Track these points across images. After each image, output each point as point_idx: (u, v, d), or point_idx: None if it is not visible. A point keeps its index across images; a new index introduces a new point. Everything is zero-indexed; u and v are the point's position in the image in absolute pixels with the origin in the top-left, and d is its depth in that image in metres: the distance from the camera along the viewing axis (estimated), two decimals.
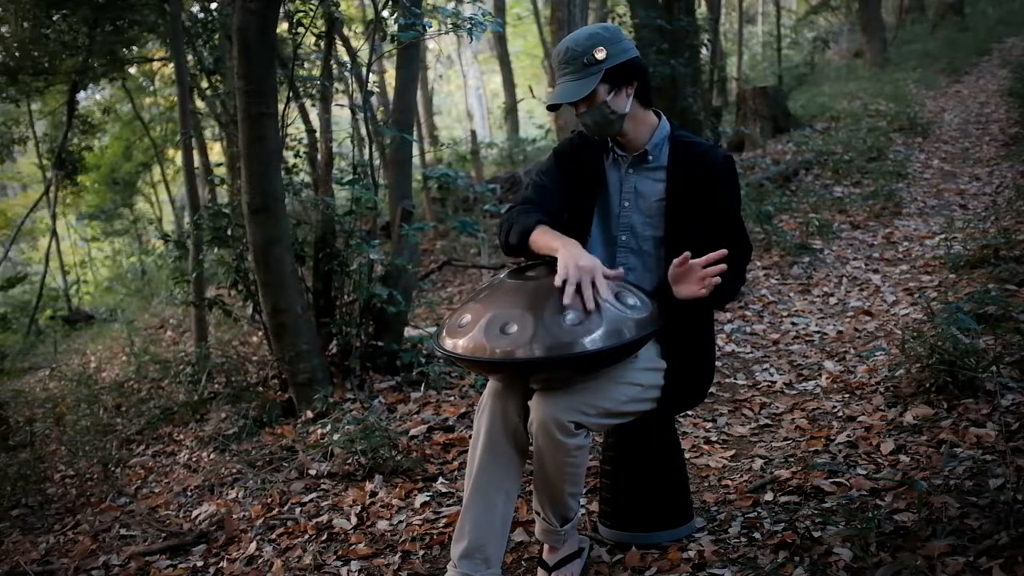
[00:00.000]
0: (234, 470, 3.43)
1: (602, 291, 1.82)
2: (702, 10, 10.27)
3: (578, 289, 1.80)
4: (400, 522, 2.64)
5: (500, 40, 14.75)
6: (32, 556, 3.00)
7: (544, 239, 1.96)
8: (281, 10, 4.15)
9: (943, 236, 5.19)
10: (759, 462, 2.71)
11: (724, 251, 1.86)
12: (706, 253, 1.88)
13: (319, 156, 6.40)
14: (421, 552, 2.42)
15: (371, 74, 5.24)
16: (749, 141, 9.63)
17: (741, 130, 9.73)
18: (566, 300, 1.78)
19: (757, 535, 2.20)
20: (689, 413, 3.23)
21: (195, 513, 3.10)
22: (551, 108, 2.04)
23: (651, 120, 2.09)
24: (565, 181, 2.15)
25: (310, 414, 3.74)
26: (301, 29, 4.91)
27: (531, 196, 2.12)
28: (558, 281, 1.81)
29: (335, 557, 2.49)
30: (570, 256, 1.85)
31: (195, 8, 7.80)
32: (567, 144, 2.20)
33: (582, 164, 2.15)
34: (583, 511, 2.42)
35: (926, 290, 4.24)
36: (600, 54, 1.94)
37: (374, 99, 8.59)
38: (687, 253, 1.88)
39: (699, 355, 2.13)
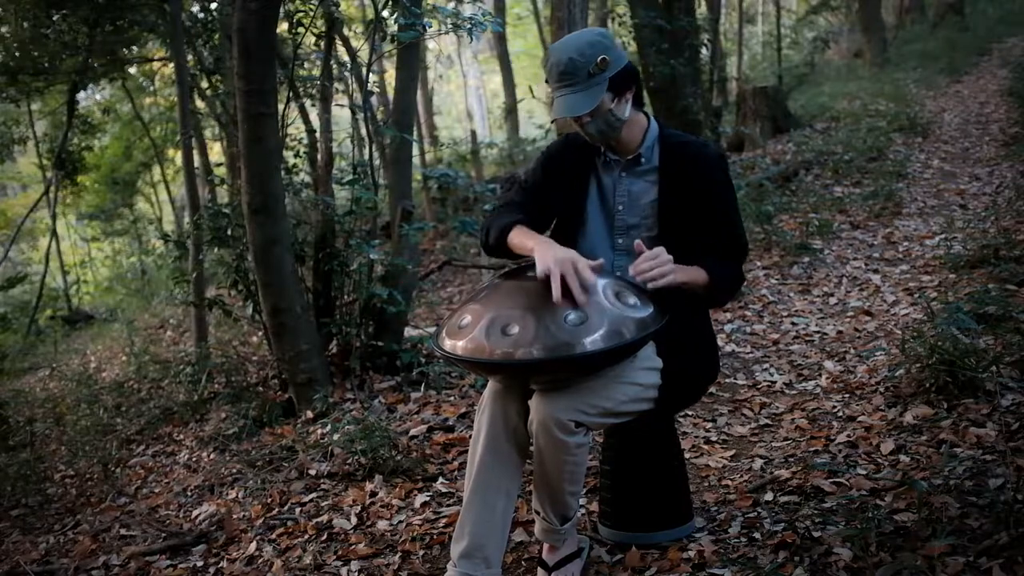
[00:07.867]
0: (234, 470, 3.44)
1: (587, 279, 1.80)
2: (702, 10, 10.27)
3: (564, 281, 1.78)
4: (400, 522, 2.64)
5: (500, 40, 14.76)
6: (32, 556, 3.00)
7: (520, 239, 1.99)
8: (281, 10, 4.15)
9: (943, 236, 5.19)
10: (759, 462, 2.71)
11: (661, 248, 1.88)
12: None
13: (319, 156, 6.39)
14: (421, 552, 2.42)
15: (371, 74, 5.24)
16: (749, 141, 9.63)
17: (741, 130, 9.73)
18: (555, 294, 1.76)
19: (757, 535, 2.20)
20: (689, 413, 3.23)
21: (195, 513, 3.11)
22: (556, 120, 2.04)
23: (642, 121, 2.10)
24: (550, 184, 2.16)
25: (310, 414, 3.74)
26: (301, 29, 4.91)
27: (513, 198, 2.16)
28: (540, 275, 1.81)
29: (335, 557, 2.49)
30: (547, 251, 1.85)
31: (195, 8, 7.79)
32: (555, 147, 2.20)
33: (571, 167, 2.15)
34: (583, 511, 2.42)
35: (926, 290, 4.23)
36: (605, 63, 1.93)
37: (374, 99, 8.59)
38: (638, 242, 1.91)
39: (697, 353, 2.12)
